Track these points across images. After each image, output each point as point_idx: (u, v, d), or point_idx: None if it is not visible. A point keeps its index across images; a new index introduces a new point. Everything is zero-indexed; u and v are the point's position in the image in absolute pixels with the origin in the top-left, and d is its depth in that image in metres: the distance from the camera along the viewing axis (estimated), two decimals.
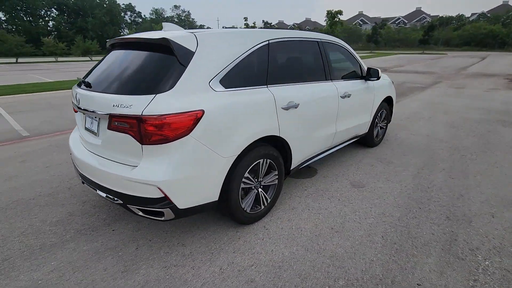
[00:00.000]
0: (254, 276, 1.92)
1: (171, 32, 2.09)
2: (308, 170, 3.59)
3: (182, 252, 2.15)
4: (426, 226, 2.45)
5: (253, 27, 23.84)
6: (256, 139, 2.20)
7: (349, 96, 3.31)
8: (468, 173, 3.45)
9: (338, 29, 19.51)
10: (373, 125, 4.09)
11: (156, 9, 78.09)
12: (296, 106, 2.55)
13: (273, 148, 2.45)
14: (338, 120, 3.24)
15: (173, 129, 1.78)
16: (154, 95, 1.79)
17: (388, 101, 4.43)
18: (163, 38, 1.94)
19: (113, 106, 1.83)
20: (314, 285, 1.85)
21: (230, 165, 2.07)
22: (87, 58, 33.94)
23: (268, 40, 2.44)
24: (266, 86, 2.36)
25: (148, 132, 1.75)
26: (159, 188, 1.80)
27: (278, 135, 2.41)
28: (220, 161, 2.00)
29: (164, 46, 1.96)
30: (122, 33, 56.75)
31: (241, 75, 2.21)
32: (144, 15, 69.63)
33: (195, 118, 1.85)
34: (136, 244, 2.24)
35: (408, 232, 2.36)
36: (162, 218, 1.91)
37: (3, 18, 49.56)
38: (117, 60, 2.20)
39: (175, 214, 1.91)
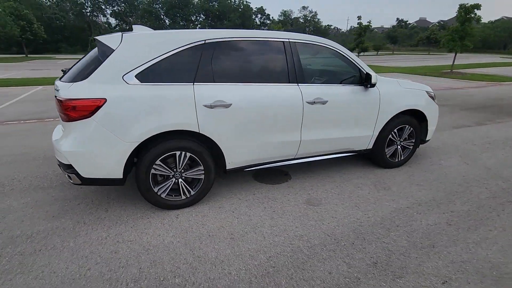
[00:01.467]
0: (120, 249, 2.15)
1: (113, 34, 2.51)
2: (281, 176, 3.40)
3: (101, 215, 2.59)
4: (333, 263, 2.03)
5: (368, 26, 22.10)
6: (163, 131, 2.39)
7: (324, 102, 2.94)
8: (483, 225, 2.50)
9: (472, 26, 15.53)
10: (383, 141, 3.42)
11: (285, 11, 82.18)
12: (226, 106, 2.55)
13: (196, 143, 2.55)
14: (306, 128, 2.95)
15: (77, 111, 2.20)
16: (72, 83, 2.26)
17: (418, 116, 3.58)
18: (94, 38, 2.38)
19: (55, 89, 2.41)
20: (149, 276, 1.93)
21: (132, 150, 2.35)
22: None
23: (204, 40, 2.53)
24: (192, 83, 2.49)
25: (62, 111, 2.24)
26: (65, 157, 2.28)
27: (197, 131, 2.49)
28: (120, 145, 2.30)
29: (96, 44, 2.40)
30: None
31: (164, 71, 2.42)
32: (272, 17, 74.41)
33: (97, 104, 2.22)
34: (81, 200, 2.83)
35: (302, 263, 2.03)
36: (72, 181, 2.39)
37: (168, 23, 63.31)
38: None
39: (81, 180, 2.35)
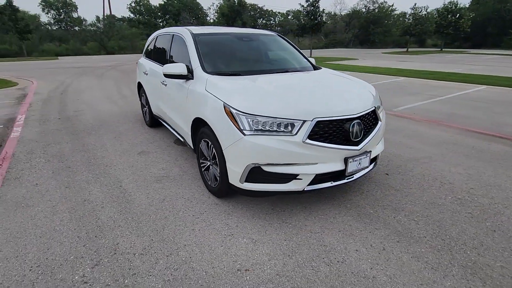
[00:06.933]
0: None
1: None
2: None
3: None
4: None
5: None
6: (138, 81, 4.83)
7: (165, 84, 3.49)
8: None
9: None
10: (197, 147, 2.93)
11: None
12: (146, 73, 4.34)
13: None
14: (163, 102, 3.74)
15: None
16: None
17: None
18: None
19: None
20: None
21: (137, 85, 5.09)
22: None
23: (157, 35, 4.35)
24: (148, 59, 4.55)
25: None
26: None
27: (140, 81, 4.64)
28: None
29: None
30: None
31: (152, 55, 4.71)
32: None
33: (138, 62, 5.17)
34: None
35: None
36: None
37: None
38: None
39: None
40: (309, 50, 24.15)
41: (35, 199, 2.73)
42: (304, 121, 2.15)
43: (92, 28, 39.27)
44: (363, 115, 2.37)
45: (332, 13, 57.50)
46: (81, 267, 1.92)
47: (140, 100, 5.17)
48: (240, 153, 2.20)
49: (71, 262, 1.96)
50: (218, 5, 39.89)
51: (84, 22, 43.25)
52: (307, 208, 2.58)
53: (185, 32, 3.35)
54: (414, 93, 8.07)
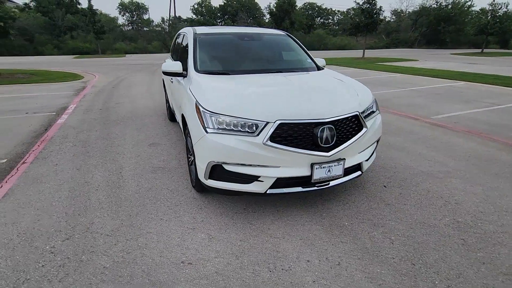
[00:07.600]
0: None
1: None
2: None
3: None
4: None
5: None
6: (162, 78, 5.18)
7: (172, 81, 3.69)
8: None
9: None
10: (186, 142, 3.07)
11: None
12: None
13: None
14: (172, 99, 3.97)
15: None
16: None
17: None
18: None
19: None
20: None
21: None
22: None
23: (178, 33, 4.61)
24: (170, 58, 4.85)
25: None
26: None
27: (163, 78, 4.94)
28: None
29: None
30: None
31: (172, 53, 5.02)
32: None
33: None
34: None
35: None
36: None
37: None
38: None
39: None
40: (362, 50, 22.78)
41: (49, 177, 3.16)
42: (267, 123, 2.11)
43: (157, 29, 42.85)
44: (338, 120, 2.22)
45: (398, 10, 53.29)
46: (54, 239, 2.18)
47: (165, 95, 5.54)
48: (203, 150, 2.26)
49: (50, 234, 2.24)
50: (275, 5, 39.98)
51: (152, 23, 47.39)
52: (279, 212, 2.51)
53: (189, 32, 3.52)
54: (469, 99, 7.11)
